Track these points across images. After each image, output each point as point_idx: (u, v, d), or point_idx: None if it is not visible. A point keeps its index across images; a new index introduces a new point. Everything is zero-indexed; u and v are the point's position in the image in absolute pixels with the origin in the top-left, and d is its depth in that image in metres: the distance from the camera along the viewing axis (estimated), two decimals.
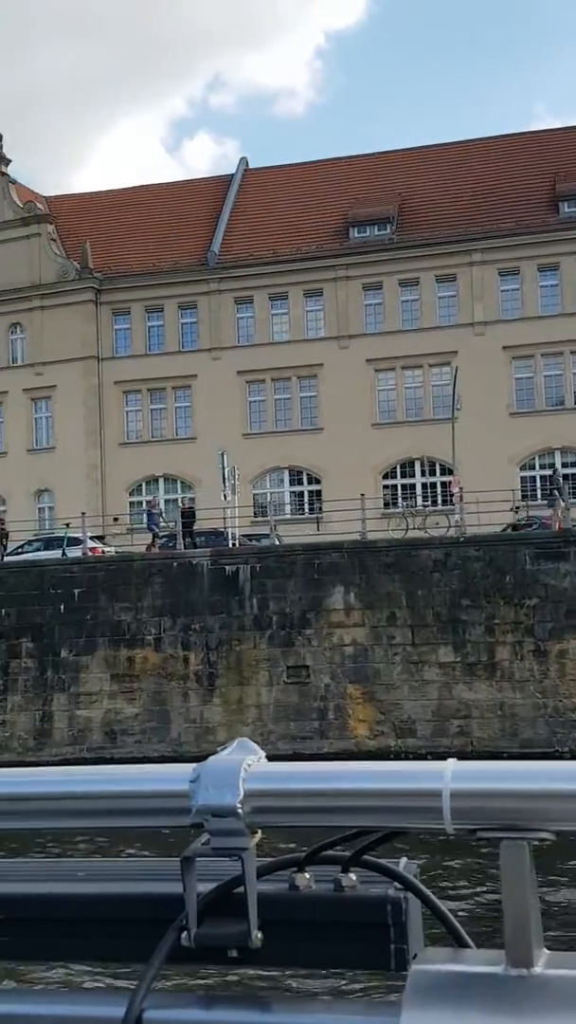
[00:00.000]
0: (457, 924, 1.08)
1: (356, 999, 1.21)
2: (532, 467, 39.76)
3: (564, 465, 37.53)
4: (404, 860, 1.10)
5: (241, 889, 1.06)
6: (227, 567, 24.83)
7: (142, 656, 24.89)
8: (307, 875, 1.10)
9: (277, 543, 29.64)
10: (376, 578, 23.86)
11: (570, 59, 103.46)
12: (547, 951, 1.01)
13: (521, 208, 41.25)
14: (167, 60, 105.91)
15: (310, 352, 41.99)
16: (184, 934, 1.07)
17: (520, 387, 40.30)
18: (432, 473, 40.10)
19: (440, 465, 39.29)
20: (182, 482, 43.17)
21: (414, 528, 26.05)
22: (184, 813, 1.06)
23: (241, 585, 24.58)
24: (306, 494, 41.92)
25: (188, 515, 26.36)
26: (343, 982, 8.29)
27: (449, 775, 1.00)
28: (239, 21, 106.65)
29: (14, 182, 46.70)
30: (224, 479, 28.54)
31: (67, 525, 29.12)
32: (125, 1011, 1.04)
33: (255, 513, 38.38)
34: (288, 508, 41.71)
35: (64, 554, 27.21)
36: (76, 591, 25.37)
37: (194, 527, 28.05)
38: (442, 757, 1.07)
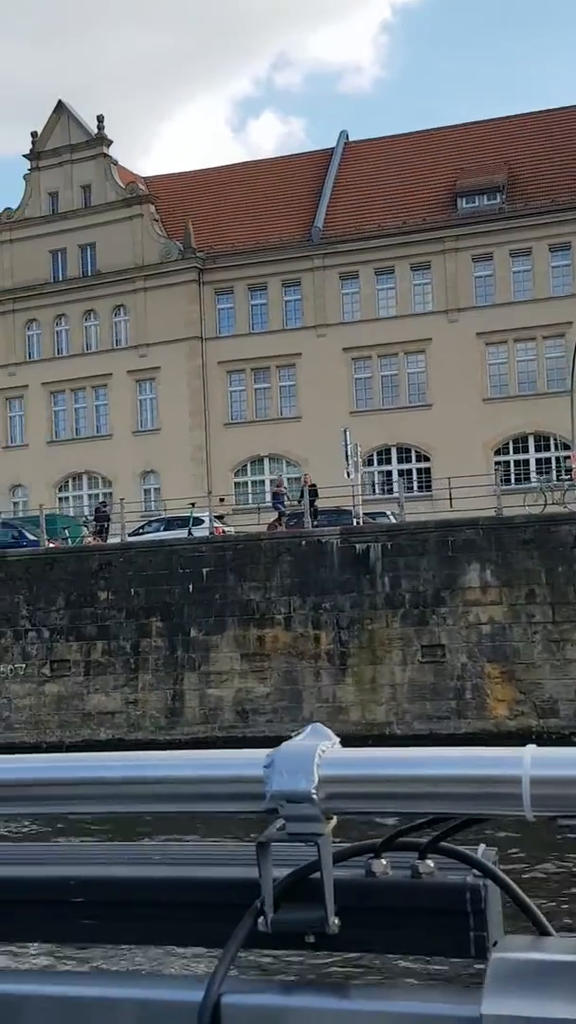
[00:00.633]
0: (538, 911, 1.06)
1: (435, 986, 1.14)
2: None
3: None
4: (482, 847, 1.09)
5: (317, 875, 1.06)
6: (357, 545, 24.43)
7: (272, 635, 24.66)
8: (383, 861, 1.10)
9: (394, 520, 29.18)
10: (513, 555, 23.22)
11: None
12: None
13: None
14: (232, 40, 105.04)
15: (418, 327, 41.25)
16: (261, 919, 1.07)
17: None
18: (546, 448, 39.10)
19: (556, 440, 38.26)
20: (287, 461, 42.89)
21: (551, 503, 25.29)
22: (259, 799, 1.06)
23: (372, 563, 24.17)
24: (414, 472, 41.25)
25: (312, 493, 26.02)
26: (420, 968, 8.06)
27: (529, 761, 0.98)
28: None
29: (115, 163, 46.75)
30: (347, 456, 28.14)
31: (192, 505, 29.05)
32: (203, 995, 1.04)
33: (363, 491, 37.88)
34: (395, 486, 41.07)
35: (190, 533, 27.12)
36: (204, 570, 25.24)
37: (316, 505, 27.70)
38: None
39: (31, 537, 30.00)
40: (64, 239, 46.15)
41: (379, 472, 41.25)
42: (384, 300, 42.16)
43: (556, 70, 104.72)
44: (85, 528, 32.58)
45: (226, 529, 29.50)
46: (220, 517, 31.98)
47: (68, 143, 46.70)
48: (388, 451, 41.40)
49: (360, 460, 29.35)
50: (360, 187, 44.23)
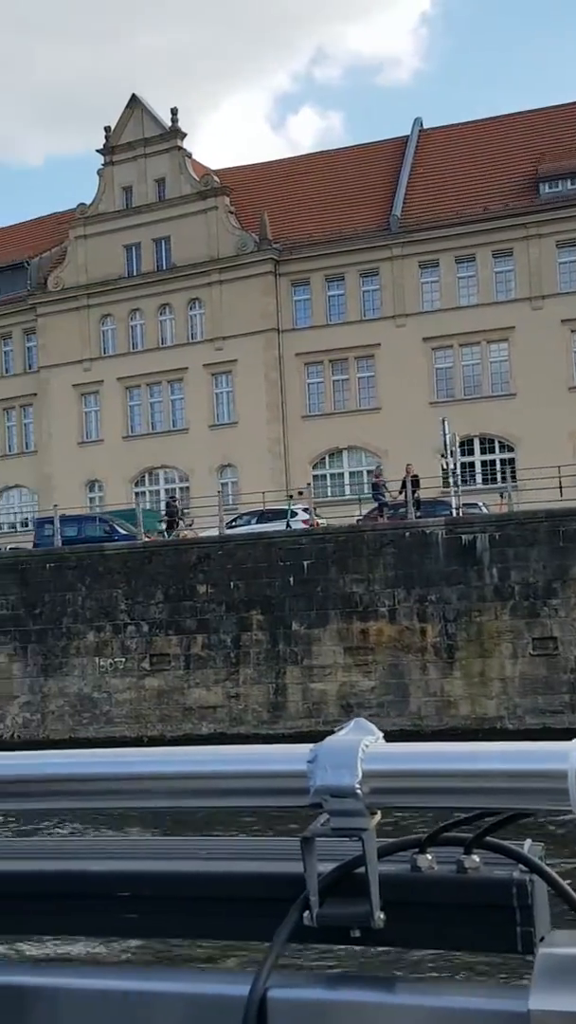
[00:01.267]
0: None
1: (483, 981, 1.18)
2: None
3: None
4: (528, 842, 1.09)
5: (362, 869, 1.06)
6: (463, 536, 23.91)
7: (376, 628, 24.24)
8: (429, 856, 1.09)
9: (486, 511, 28.61)
10: None
11: None
12: None
13: None
14: (271, 36, 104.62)
15: (500, 315, 40.50)
16: (306, 913, 1.07)
17: None
18: None
19: None
20: (366, 453, 42.40)
21: None
22: (302, 793, 1.06)
23: (479, 554, 23.63)
24: (498, 462, 40.53)
25: (415, 483, 25.55)
26: (467, 963, 7.85)
27: (575, 756, 0.98)
28: None
29: (190, 156, 46.54)
30: (446, 446, 27.59)
31: (290, 497, 28.71)
32: (249, 990, 1.05)
33: (443, 482, 37.27)
34: (479, 478, 40.44)
35: (288, 526, 26.78)
36: (305, 563, 24.89)
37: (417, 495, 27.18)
38: None
39: (122, 531, 29.86)
40: (138, 233, 46.06)
41: (462, 463, 40.55)
42: (465, 288, 41.45)
43: None
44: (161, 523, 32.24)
45: (319, 522, 29.11)
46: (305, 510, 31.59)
47: (142, 137, 46.59)
48: (471, 441, 40.70)
49: (457, 450, 28.74)
50: (437, 174, 43.55)
